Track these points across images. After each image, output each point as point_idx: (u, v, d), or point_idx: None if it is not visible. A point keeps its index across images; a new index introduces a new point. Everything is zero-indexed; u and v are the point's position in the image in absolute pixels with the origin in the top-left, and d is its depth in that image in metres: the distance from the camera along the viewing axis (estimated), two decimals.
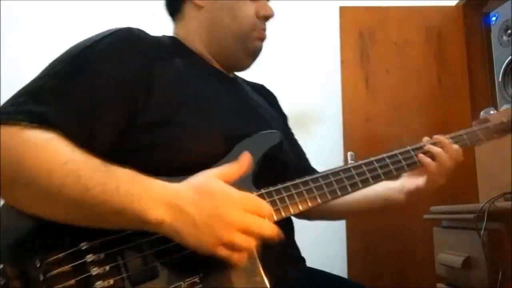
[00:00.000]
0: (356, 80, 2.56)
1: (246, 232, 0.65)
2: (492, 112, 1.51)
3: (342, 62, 2.58)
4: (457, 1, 2.65)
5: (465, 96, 2.55)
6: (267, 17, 0.95)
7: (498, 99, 1.68)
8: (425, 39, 2.60)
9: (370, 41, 2.59)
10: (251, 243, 0.65)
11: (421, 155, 0.94)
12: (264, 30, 0.95)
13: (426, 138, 0.99)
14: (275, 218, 0.73)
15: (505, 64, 1.63)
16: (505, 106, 1.56)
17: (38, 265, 0.61)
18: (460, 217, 1.35)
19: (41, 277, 0.61)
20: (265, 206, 0.69)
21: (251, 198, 0.69)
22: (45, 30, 2.67)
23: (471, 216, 1.21)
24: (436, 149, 0.95)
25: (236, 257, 0.65)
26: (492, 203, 1.17)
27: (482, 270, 1.17)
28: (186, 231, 0.63)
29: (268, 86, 1.14)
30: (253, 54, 0.95)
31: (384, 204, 1.04)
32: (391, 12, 2.62)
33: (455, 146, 0.98)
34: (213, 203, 0.65)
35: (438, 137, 0.98)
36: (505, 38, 1.66)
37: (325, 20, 2.73)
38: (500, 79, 1.64)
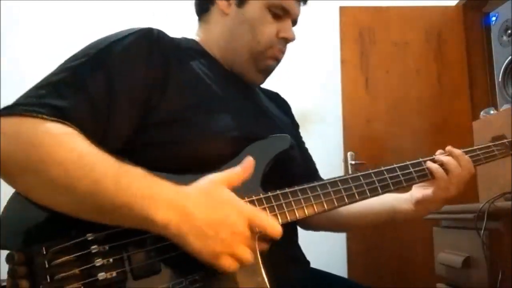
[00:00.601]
0: (356, 80, 2.56)
1: (248, 245, 0.65)
2: (492, 112, 1.51)
3: (342, 62, 2.58)
4: (457, 1, 2.65)
5: (465, 96, 2.55)
6: (287, 40, 0.94)
7: (498, 99, 1.68)
8: (425, 39, 2.60)
9: (370, 41, 2.59)
10: (250, 257, 0.65)
11: (429, 162, 0.92)
12: (282, 51, 0.95)
13: (439, 151, 0.96)
14: (280, 221, 0.73)
15: (505, 64, 1.63)
16: (505, 106, 1.56)
17: (44, 253, 0.62)
18: (460, 217, 1.35)
19: (46, 265, 0.62)
20: (269, 223, 0.68)
21: (258, 212, 0.69)
22: (45, 30, 2.67)
23: (471, 216, 1.21)
24: (445, 157, 0.93)
25: (232, 268, 0.65)
26: (492, 203, 1.17)
27: (482, 270, 1.17)
28: (192, 234, 0.62)
29: (268, 86, 1.14)
30: (264, 72, 0.95)
31: (392, 215, 1.01)
32: (391, 12, 2.63)
33: (466, 157, 0.94)
34: (221, 211, 0.65)
35: (449, 148, 0.96)
36: (505, 38, 1.66)
37: (325, 20, 2.73)
38: (500, 79, 1.64)
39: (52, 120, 0.65)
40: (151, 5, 2.70)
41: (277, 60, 0.95)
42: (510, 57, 1.61)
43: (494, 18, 1.73)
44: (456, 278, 1.35)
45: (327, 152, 2.45)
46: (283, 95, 1.16)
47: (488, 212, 1.15)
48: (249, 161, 0.72)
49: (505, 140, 1.05)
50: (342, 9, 2.62)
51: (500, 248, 1.15)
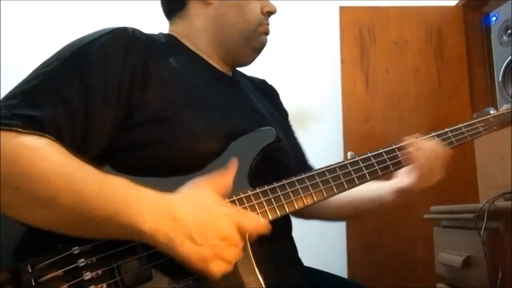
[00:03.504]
0: (356, 79, 2.56)
1: (237, 247, 0.66)
2: (492, 112, 1.51)
3: (342, 61, 2.58)
4: (457, 1, 2.65)
5: (465, 96, 2.55)
6: (271, 13, 0.98)
7: (498, 99, 1.67)
8: (425, 38, 2.60)
9: (370, 41, 2.59)
10: (236, 257, 0.66)
11: (410, 150, 0.92)
12: (268, 25, 0.98)
13: (416, 135, 0.96)
14: (270, 217, 0.73)
15: (505, 64, 1.63)
16: (505, 106, 1.56)
17: (29, 270, 0.60)
18: (460, 217, 1.35)
19: (33, 282, 0.60)
20: (253, 224, 0.69)
21: (244, 215, 0.69)
22: (45, 30, 2.67)
23: (471, 216, 1.21)
24: (418, 144, 0.93)
25: (222, 273, 0.64)
26: (492, 203, 1.17)
27: (482, 270, 1.17)
28: (180, 241, 0.62)
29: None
30: (259, 49, 0.97)
31: (374, 205, 1.01)
32: (391, 12, 2.62)
33: (430, 144, 0.94)
34: (208, 216, 0.65)
35: (409, 140, 0.94)
36: (505, 38, 1.65)
37: (325, 20, 2.73)
38: (500, 79, 1.64)
39: (28, 133, 0.62)
40: (151, 5, 2.69)
41: (267, 34, 0.98)
42: (510, 57, 1.61)
43: (494, 18, 1.73)
44: (456, 278, 1.35)
45: (326, 151, 2.44)
46: (283, 95, 1.15)
47: (488, 212, 1.15)
48: (233, 163, 0.73)
49: (488, 116, 1.05)
50: (342, 9, 2.61)
51: (500, 248, 1.15)
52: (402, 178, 0.97)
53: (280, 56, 2.61)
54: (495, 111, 1.40)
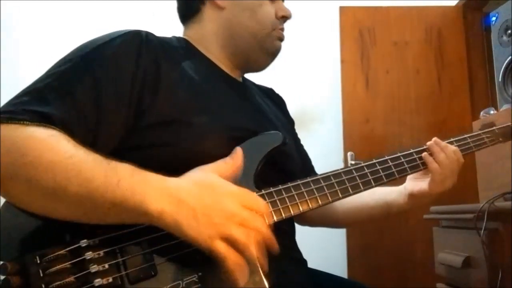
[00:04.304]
0: (356, 80, 2.57)
1: (244, 225, 0.65)
2: (492, 112, 1.51)
3: (342, 62, 2.58)
4: (457, 1, 2.65)
5: (465, 96, 2.55)
6: (285, 18, 0.97)
7: (498, 99, 1.68)
8: (425, 39, 2.61)
9: (370, 41, 2.60)
10: (249, 238, 0.65)
11: (425, 153, 0.93)
12: (283, 30, 0.97)
13: (428, 143, 0.97)
14: (275, 218, 0.73)
15: (505, 64, 1.63)
16: (505, 106, 1.56)
17: (37, 262, 0.61)
18: (460, 217, 1.35)
19: (41, 274, 0.61)
20: (261, 203, 0.70)
21: (249, 194, 0.70)
22: (45, 31, 2.67)
23: (471, 216, 1.21)
24: (435, 148, 0.94)
25: (233, 257, 0.64)
26: (492, 203, 1.17)
27: (482, 270, 1.17)
28: (186, 222, 0.63)
29: (268, 85, 1.14)
30: (273, 54, 0.97)
31: (387, 209, 1.01)
32: (391, 12, 2.63)
33: (452, 147, 0.95)
34: (213, 196, 0.66)
35: (433, 139, 0.96)
36: (505, 38, 1.66)
37: (325, 20, 2.73)
38: (500, 79, 1.64)
39: (35, 124, 0.64)
40: (151, 5, 2.70)
41: (281, 40, 0.98)
42: (510, 57, 1.61)
43: (494, 18, 1.73)
44: (456, 278, 1.35)
45: (326, 151, 2.45)
46: (283, 94, 1.16)
47: (488, 212, 1.15)
48: (239, 151, 0.75)
49: (494, 127, 1.05)
50: (342, 9, 2.62)
51: (500, 248, 1.15)
52: (415, 183, 0.97)
53: (280, 57, 2.61)
54: (495, 111, 1.40)
